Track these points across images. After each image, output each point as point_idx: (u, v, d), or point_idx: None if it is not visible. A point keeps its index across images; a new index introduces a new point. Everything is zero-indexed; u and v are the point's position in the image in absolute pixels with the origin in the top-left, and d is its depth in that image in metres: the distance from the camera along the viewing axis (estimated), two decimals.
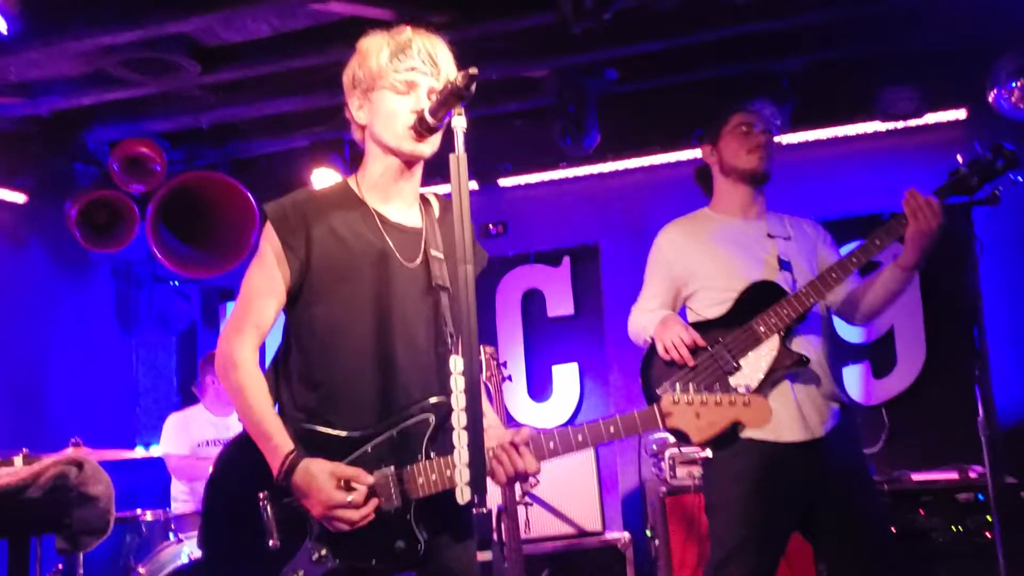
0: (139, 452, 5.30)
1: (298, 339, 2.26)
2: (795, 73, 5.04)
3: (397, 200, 2.32)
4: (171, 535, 4.68)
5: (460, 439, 1.95)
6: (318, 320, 2.23)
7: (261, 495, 2.11)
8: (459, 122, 1.97)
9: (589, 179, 5.96)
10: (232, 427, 5.53)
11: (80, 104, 5.15)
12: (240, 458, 2.22)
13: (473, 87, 1.96)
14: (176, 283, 6.47)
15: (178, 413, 5.66)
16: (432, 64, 2.24)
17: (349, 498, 2.05)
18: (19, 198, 5.63)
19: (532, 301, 6.15)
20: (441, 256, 2.31)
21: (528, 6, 4.28)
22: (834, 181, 5.49)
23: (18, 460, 2.39)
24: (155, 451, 5.52)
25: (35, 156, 5.65)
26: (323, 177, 5.71)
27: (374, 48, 2.25)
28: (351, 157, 5.80)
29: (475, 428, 1.89)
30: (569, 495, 4.85)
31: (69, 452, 3.92)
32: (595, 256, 6.06)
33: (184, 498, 5.39)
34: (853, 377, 5.44)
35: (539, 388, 6.05)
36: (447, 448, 2.07)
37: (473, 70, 1.95)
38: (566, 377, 6.01)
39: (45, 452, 3.17)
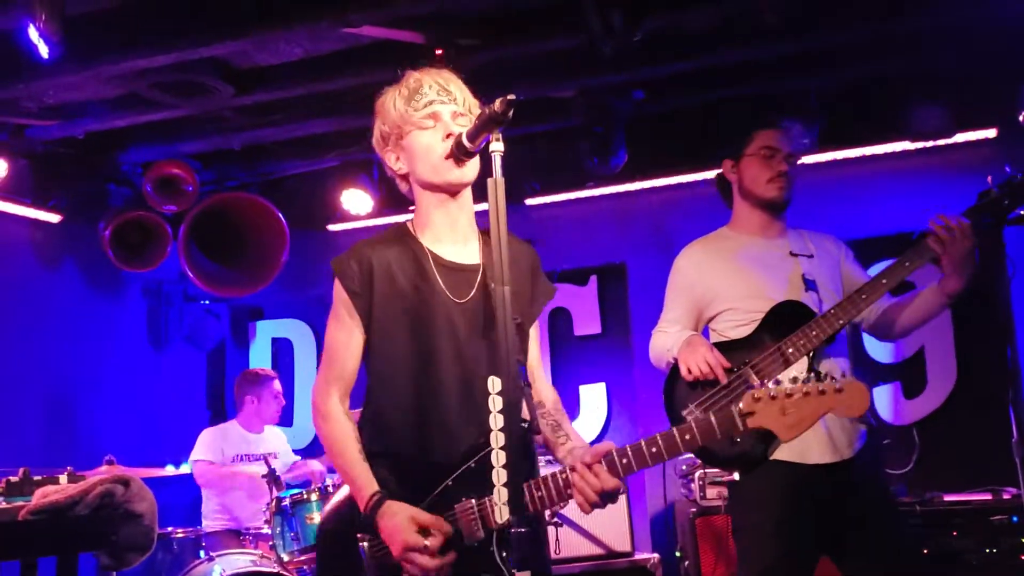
0: (169, 470, 5.32)
1: (375, 383, 2.33)
2: (824, 92, 5.05)
3: (452, 238, 2.35)
4: (202, 552, 4.71)
5: (498, 459, 1.96)
6: (382, 362, 2.30)
7: (359, 536, 2.19)
8: (497, 147, 2.00)
9: (616, 198, 5.98)
10: (264, 444, 5.56)
11: (114, 126, 5.25)
12: (347, 506, 2.29)
13: (511, 112, 1.98)
14: (206, 302, 6.54)
15: (213, 428, 5.72)
16: (446, 92, 2.31)
17: (426, 542, 2.08)
18: (54, 218, 5.73)
19: (559, 320, 6.16)
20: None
21: (556, 29, 4.32)
22: (863, 200, 5.48)
23: (63, 478, 2.43)
24: (185, 468, 5.56)
25: (70, 177, 5.77)
26: (353, 197, 5.77)
27: (388, 101, 2.34)
28: (379, 177, 5.86)
29: (512, 449, 1.90)
30: (598, 515, 4.83)
31: (104, 469, 3.97)
32: (622, 275, 6.08)
33: (215, 516, 5.42)
34: (884, 397, 5.41)
35: (567, 407, 6.00)
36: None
37: (511, 96, 1.97)
38: (593, 397, 6.01)
39: (76, 469, 3.21)
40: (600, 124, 5.07)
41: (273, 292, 6.31)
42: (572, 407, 6.05)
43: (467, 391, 2.24)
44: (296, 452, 5.93)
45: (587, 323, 6.11)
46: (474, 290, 2.30)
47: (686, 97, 5.26)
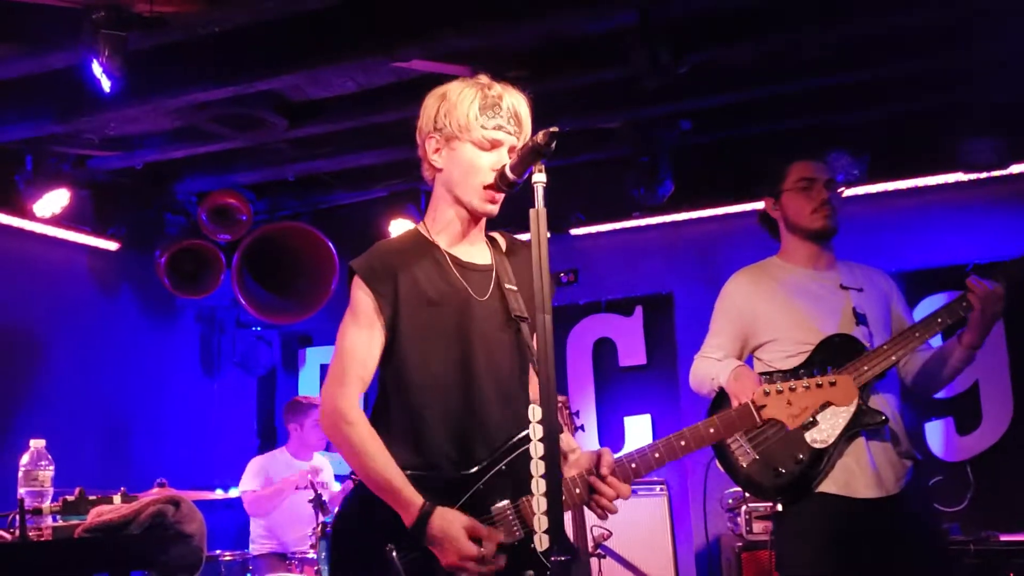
0: (218, 494, 5.41)
1: (394, 389, 2.30)
2: (875, 123, 5.02)
3: (467, 242, 2.38)
4: (248, 575, 4.77)
5: (538, 487, 1.97)
6: (409, 367, 2.27)
7: (388, 547, 2.14)
8: (539, 178, 2.02)
9: (662, 228, 5.98)
10: (312, 472, 5.61)
11: (172, 157, 5.42)
12: (359, 511, 2.27)
13: (554, 145, 2.01)
14: (258, 328, 6.65)
15: (261, 456, 5.79)
16: (517, 124, 2.30)
17: (482, 551, 2.10)
18: (112, 246, 5.90)
19: (603, 350, 6.15)
20: (515, 288, 2.36)
21: (603, 62, 4.36)
22: (915, 232, 5.41)
23: (117, 498, 2.49)
24: (234, 492, 5.64)
25: (128, 206, 5.94)
26: (400, 227, 5.85)
27: (465, 98, 2.28)
28: (426, 208, 5.93)
29: (552, 476, 1.91)
30: (643, 548, 4.81)
31: (155, 491, 4.04)
32: (668, 305, 6.05)
33: (262, 540, 5.48)
34: (936, 433, 5.30)
35: (611, 439, 6.02)
36: None
37: (554, 128, 2.00)
38: (638, 429, 5.97)
39: (129, 491, 3.29)
40: (647, 154, 5.10)
41: (322, 319, 6.40)
42: (617, 438, 6.02)
43: (500, 388, 2.27)
44: (339, 478, 5.98)
45: (632, 354, 6.09)
46: (491, 287, 2.33)
47: (734, 128, 5.27)
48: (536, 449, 1.99)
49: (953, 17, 4.18)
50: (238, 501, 5.58)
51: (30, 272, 5.56)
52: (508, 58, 4.37)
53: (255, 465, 5.66)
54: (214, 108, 4.66)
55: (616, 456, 2.25)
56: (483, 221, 2.39)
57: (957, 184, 5.28)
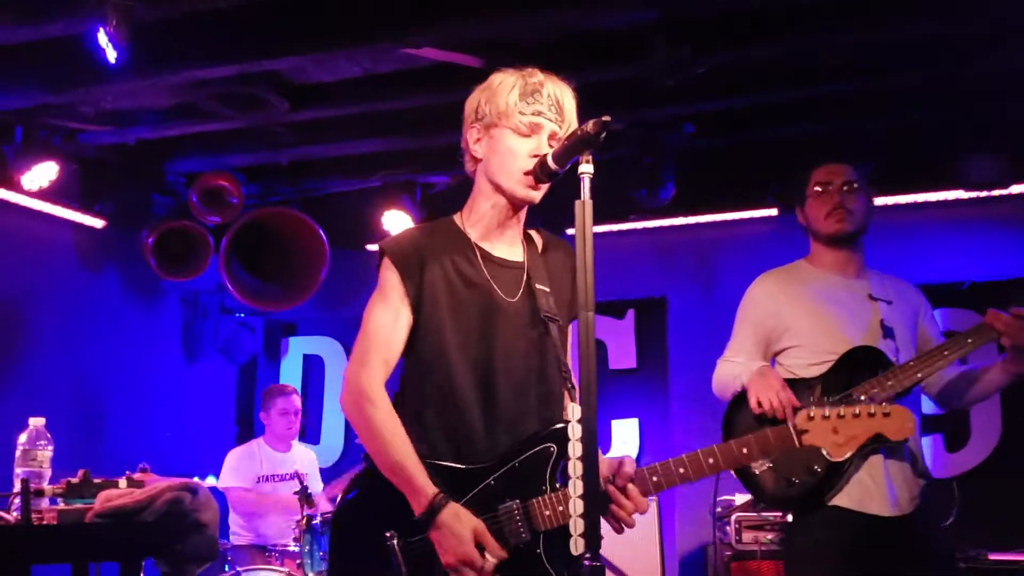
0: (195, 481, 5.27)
1: (414, 374, 2.25)
2: (879, 136, 5.01)
3: (501, 238, 2.32)
4: (227, 567, 4.65)
5: (575, 488, 1.91)
6: (428, 356, 2.22)
7: (388, 533, 2.09)
8: (586, 169, 1.97)
9: (658, 232, 5.94)
10: (292, 463, 5.47)
11: (165, 135, 5.27)
12: (365, 496, 2.21)
13: (603, 135, 1.96)
14: (242, 315, 6.52)
15: (239, 448, 5.65)
16: (558, 111, 2.24)
17: (483, 562, 2.03)
18: (98, 223, 5.73)
19: None
20: (547, 289, 2.30)
21: (614, 59, 4.30)
22: (912, 247, 5.39)
23: (122, 482, 2.40)
24: (211, 481, 5.50)
25: (117, 184, 5.77)
26: (394, 219, 5.75)
27: (506, 85, 2.24)
28: (421, 200, 5.86)
29: (591, 477, 1.85)
30: (630, 553, 4.75)
31: (135, 475, 3.92)
32: (661, 310, 6.01)
33: (242, 532, 5.35)
34: (925, 449, 5.27)
35: (597, 442, 5.96)
36: None
37: (606, 117, 1.96)
38: (625, 433, 5.93)
39: (103, 475, 3.17)
40: (650, 156, 5.05)
41: (307, 308, 6.30)
42: (603, 441, 5.96)
43: (518, 388, 2.21)
44: (322, 470, 5.86)
45: (622, 357, 6.05)
46: (521, 288, 2.28)
47: (737, 134, 5.23)
48: (575, 449, 1.93)
49: (962, 32, 4.17)
50: (214, 489, 5.45)
51: (13, 245, 5.39)
52: (520, 51, 4.30)
53: (234, 459, 5.53)
54: (215, 86, 4.54)
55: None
56: (523, 216, 2.32)
57: (957, 201, 5.30)
